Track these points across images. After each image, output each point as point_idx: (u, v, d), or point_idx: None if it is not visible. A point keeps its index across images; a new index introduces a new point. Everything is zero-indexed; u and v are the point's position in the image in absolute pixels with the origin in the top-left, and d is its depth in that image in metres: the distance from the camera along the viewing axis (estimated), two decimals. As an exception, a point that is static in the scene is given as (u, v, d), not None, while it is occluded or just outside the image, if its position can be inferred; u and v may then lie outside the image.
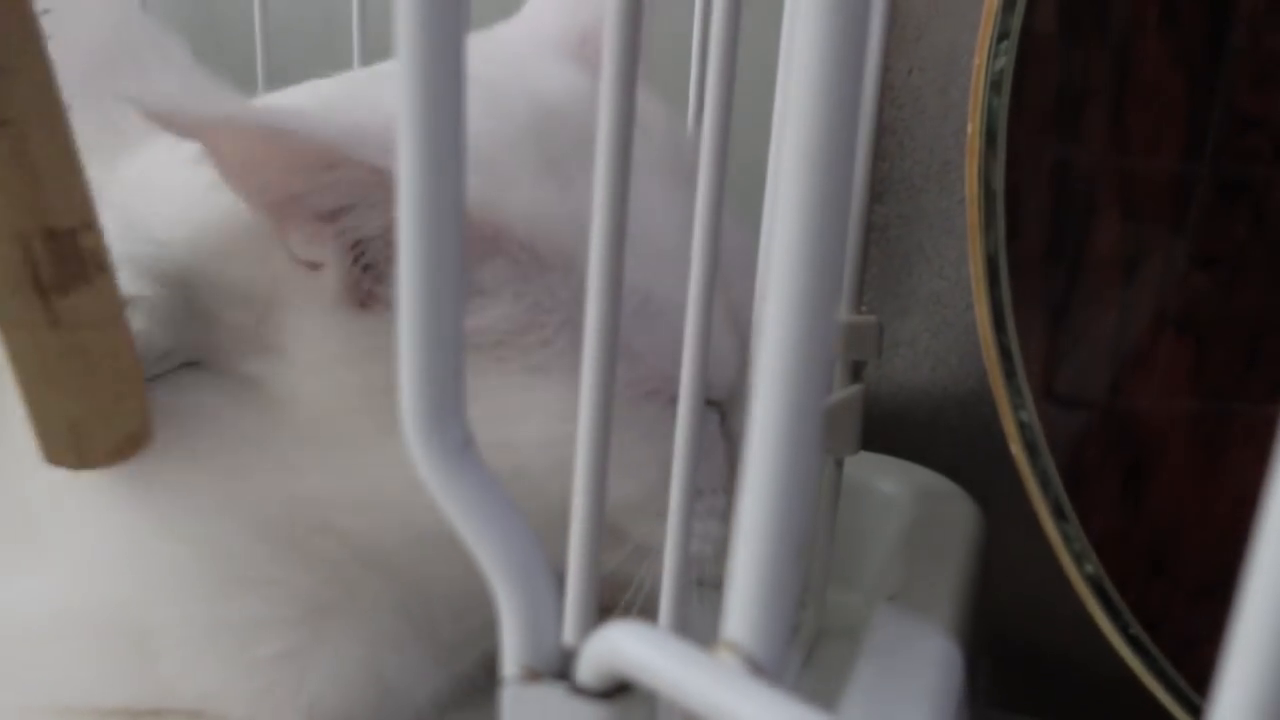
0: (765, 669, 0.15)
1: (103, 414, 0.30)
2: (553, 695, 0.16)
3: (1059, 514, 0.38)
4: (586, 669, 0.16)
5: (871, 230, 0.59)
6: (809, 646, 0.52)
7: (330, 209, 0.31)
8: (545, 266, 0.33)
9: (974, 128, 0.36)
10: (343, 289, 0.32)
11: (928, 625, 0.43)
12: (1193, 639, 0.37)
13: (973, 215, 0.37)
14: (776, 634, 0.15)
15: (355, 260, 0.32)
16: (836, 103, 0.13)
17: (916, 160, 0.58)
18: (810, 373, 0.14)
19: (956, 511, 0.53)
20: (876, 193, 0.58)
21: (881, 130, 0.57)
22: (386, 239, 0.32)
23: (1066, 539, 0.38)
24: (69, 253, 0.28)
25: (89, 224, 0.28)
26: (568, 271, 0.33)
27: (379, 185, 0.30)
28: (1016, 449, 0.39)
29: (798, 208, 0.13)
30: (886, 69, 0.57)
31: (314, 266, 0.32)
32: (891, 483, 0.55)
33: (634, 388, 0.33)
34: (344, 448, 0.34)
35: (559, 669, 0.17)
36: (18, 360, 0.29)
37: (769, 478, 0.14)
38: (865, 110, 0.47)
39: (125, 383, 0.30)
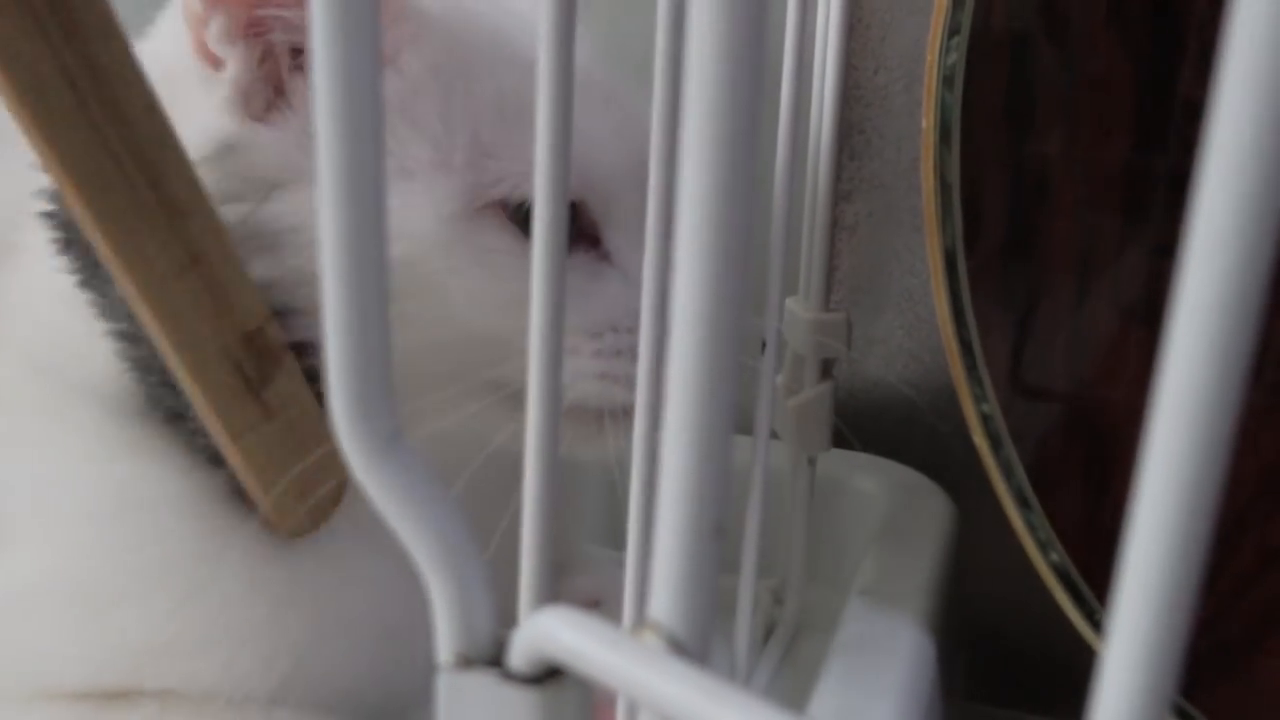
0: (687, 648, 0.15)
1: (323, 470, 0.34)
2: (485, 681, 0.17)
3: (1023, 503, 0.39)
4: (518, 655, 0.17)
5: (841, 229, 0.59)
6: (787, 643, 0.52)
7: (260, 15, 0.34)
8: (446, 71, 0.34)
9: (928, 123, 0.37)
10: (241, 92, 0.34)
11: (899, 618, 0.44)
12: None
13: (929, 210, 0.37)
14: (697, 613, 0.15)
15: (261, 62, 0.34)
16: (736, 90, 0.13)
17: (885, 159, 0.58)
18: (719, 352, 0.14)
19: (930, 506, 0.53)
20: (845, 191, 0.59)
21: (849, 129, 0.58)
22: (296, 58, 0.34)
23: (1031, 528, 0.39)
24: (261, 347, 0.32)
25: (268, 317, 0.33)
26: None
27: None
28: (979, 440, 0.39)
29: (700, 196, 0.14)
30: (853, 68, 0.57)
31: (214, 63, 0.34)
32: (867, 480, 0.56)
33: (480, 193, 0.34)
34: None
35: (492, 655, 0.17)
36: (249, 459, 0.33)
37: (682, 461, 0.15)
38: (828, 109, 0.47)
39: (327, 439, 0.33)
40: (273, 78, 0.35)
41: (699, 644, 0.15)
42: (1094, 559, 0.39)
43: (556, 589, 0.22)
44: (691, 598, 0.15)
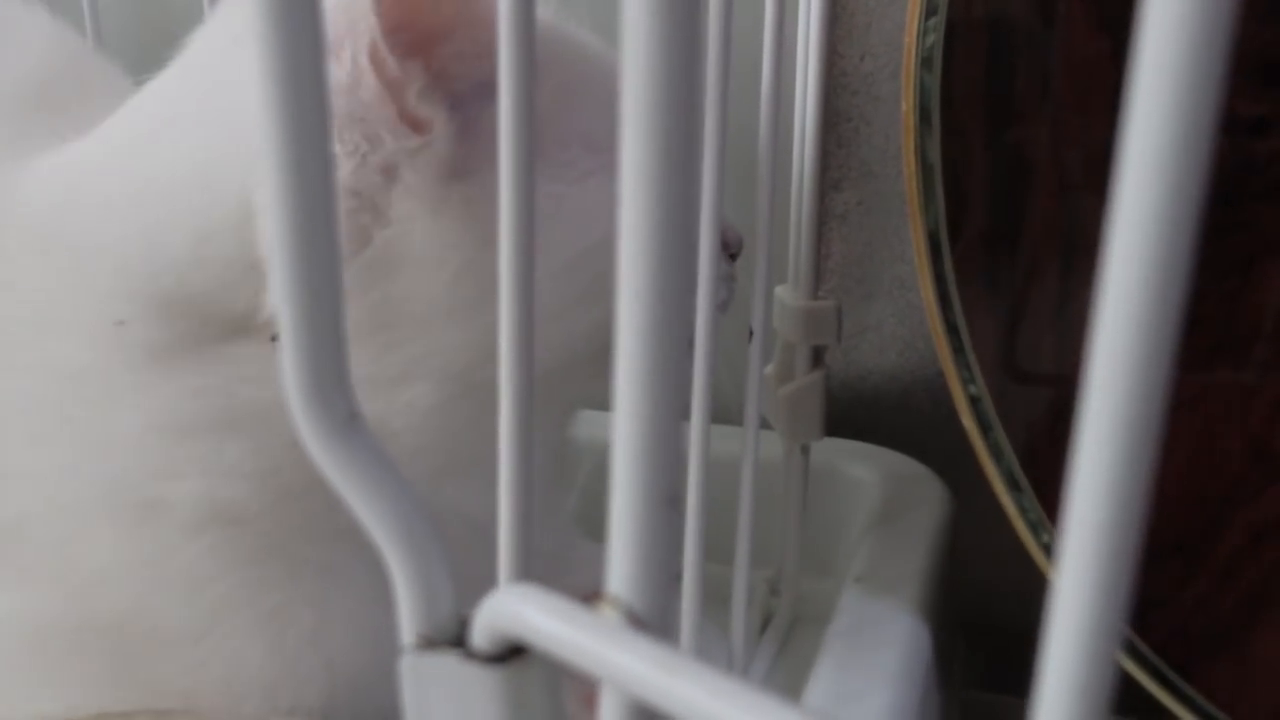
0: (645, 621, 0.15)
1: None
2: (448, 662, 0.17)
3: (1014, 486, 0.39)
4: (480, 634, 0.16)
5: (831, 218, 0.59)
6: (783, 634, 0.52)
7: (446, 61, 0.32)
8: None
9: (907, 105, 0.37)
10: (449, 153, 0.33)
11: (895, 606, 0.44)
12: (1151, 602, 0.37)
13: (911, 192, 0.37)
14: (654, 585, 0.15)
15: (450, 119, 0.33)
16: (669, 52, 0.13)
17: (873, 146, 0.58)
18: (665, 321, 0.14)
19: (925, 493, 0.53)
20: (834, 180, 0.59)
21: (836, 117, 0.58)
22: (477, 95, 0.33)
23: (1022, 510, 0.39)
24: None
25: None
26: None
27: (485, 42, 0.32)
28: (968, 423, 0.39)
29: (637, 160, 0.13)
30: (839, 56, 0.57)
31: (421, 127, 0.32)
32: (861, 468, 0.55)
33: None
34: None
35: (454, 636, 0.17)
36: None
37: (633, 432, 0.14)
38: (812, 97, 0.47)
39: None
40: (469, 124, 0.33)
41: (658, 617, 0.15)
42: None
43: (536, 571, 0.22)
44: (648, 569, 0.15)
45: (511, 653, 0.16)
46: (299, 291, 0.16)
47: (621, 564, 0.15)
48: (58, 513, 0.36)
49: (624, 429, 0.15)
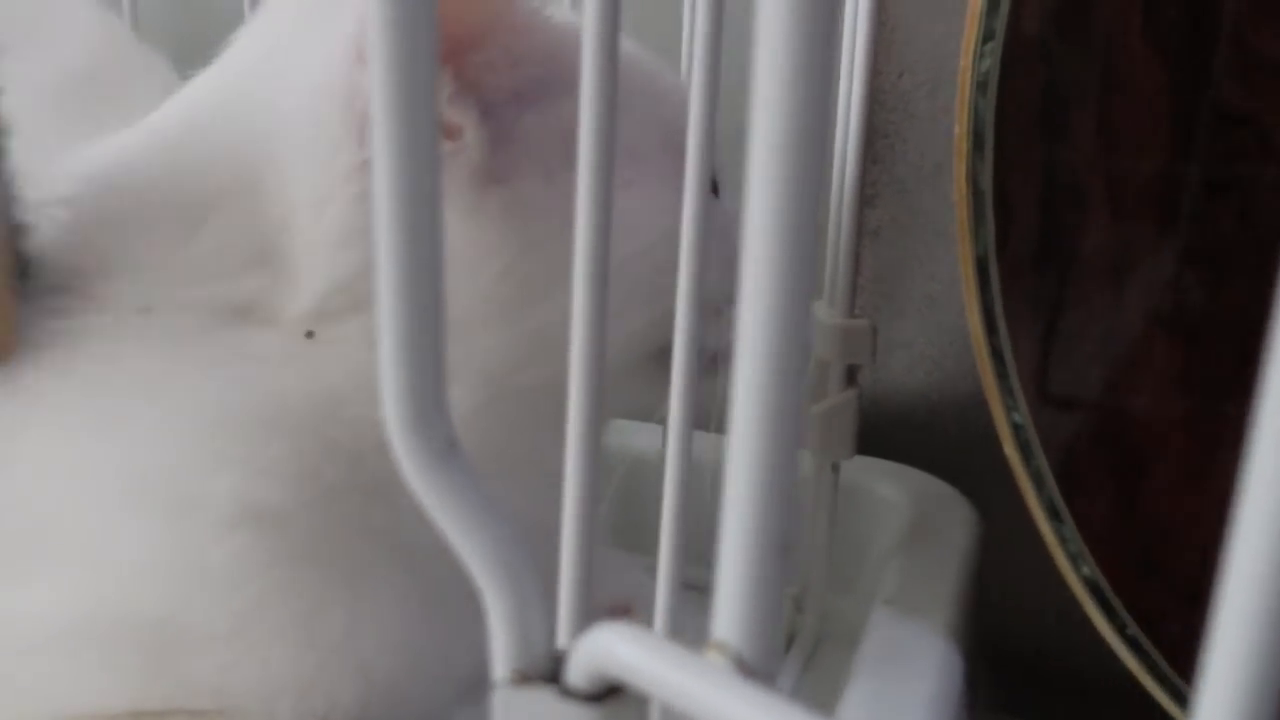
0: (754, 669, 0.15)
1: None
2: (543, 698, 0.16)
3: (1054, 515, 0.38)
4: (576, 671, 0.16)
5: (864, 234, 0.59)
6: (809, 652, 0.51)
7: (478, 69, 0.32)
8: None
9: (960, 129, 0.36)
10: (481, 159, 0.33)
11: (925, 629, 0.43)
12: (1190, 638, 0.37)
13: (961, 217, 0.37)
14: (764, 633, 0.15)
15: (481, 125, 0.33)
16: (805, 93, 0.13)
17: (908, 163, 0.58)
18: (786, 369, 0.14)
19: (954, 515, 0.53)
20: (868, 196, 0.58)
21: (872, 134, 0.57)
22: (511, 103, 0.33)
23: (1063, 540, 0.38)
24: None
25: None
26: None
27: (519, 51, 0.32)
28: (1010, 450, 0.39)
29: (768, 203, 0.13)
30: (876, 72, 0.57)
31: (452, 133, 0.33)
32: (889, 487, 0.55)
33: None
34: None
35: (549, 672, 0.17)
36: None
37: (749, 477, 0.14)
38: (855, 114, 0.47)
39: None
40: (503, 131, 0.34)
41: (766, 664, 0.15)
42: (1124, 572, 0.38)
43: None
44: (759, 617, 0.15)
45: (608, 691, 0.16)
46: (400, 319, 0.16)
47: (730, 610, 0.15)
48: (91, 507, 0.35)
49: (738, 471, 0.14)
